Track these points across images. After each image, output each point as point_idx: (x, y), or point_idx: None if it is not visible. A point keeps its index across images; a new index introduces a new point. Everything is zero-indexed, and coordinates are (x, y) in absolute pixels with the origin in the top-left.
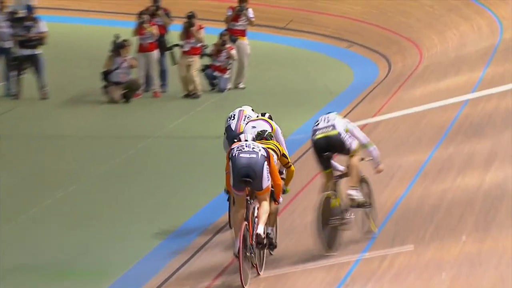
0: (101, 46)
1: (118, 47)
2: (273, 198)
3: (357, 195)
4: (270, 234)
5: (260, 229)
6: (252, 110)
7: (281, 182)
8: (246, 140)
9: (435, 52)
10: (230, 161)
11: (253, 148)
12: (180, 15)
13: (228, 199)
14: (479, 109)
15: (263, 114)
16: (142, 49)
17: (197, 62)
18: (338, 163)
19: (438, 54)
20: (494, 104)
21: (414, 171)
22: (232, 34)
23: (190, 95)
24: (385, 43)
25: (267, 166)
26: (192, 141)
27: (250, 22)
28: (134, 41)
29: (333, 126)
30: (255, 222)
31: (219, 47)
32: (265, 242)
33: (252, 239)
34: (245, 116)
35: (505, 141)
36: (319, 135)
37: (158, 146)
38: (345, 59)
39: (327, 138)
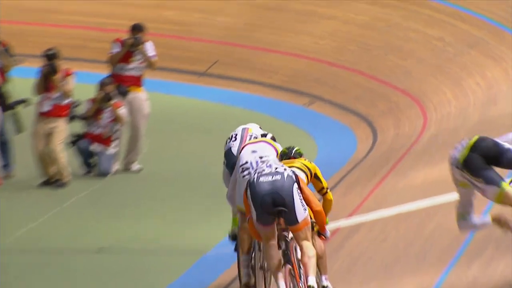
0: None
1: None
2: (317, 232)
3: None
4: (326, 287)
5: (312, 281)
6: (260, 128)
7: (322, 209)
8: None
9: (448, 112)
10: (249, 190)
11: (276, 168)
12: (31, 53)
13: (236, 249)
14: None
15: (263, 135)
16: None
17: (62, 129)
18: None
19: (452, 116)
20: None
21: None
22: (121, 83)
23: (52, 182)
24: (368, 99)
25: (298, 190)
26: (56, 258)
27: (150, 64)
28: None
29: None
30: (300, 267)
31: (99, 105)
32: None
33: None
34: (251, 135)
35: None
36: (461, 152)
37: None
38: (303, 123)
39: (479, 143)
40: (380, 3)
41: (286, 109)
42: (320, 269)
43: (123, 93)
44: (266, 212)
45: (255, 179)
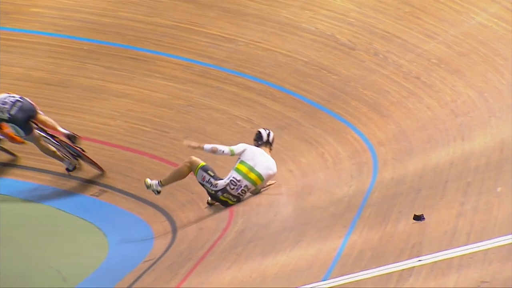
0: None
1: None
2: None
3: None
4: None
5: (63, 130)
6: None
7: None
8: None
9: (257, 204)
10: (7, 121)
11: (18, 98)
12: None
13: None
14: None
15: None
16: None
17: None
18: None
19: (262, 207)
20: None
21: None
22: None
23: None
24: (166, 188)
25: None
26: None
27: None
28: None
29: None
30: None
31: None
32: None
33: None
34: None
35: None
36: None
37: None
38: (91, 215)
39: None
40: (178, 79)
41: (70, 199)
42: None
43: None
44: (25, 123)
45: (9, 110)
